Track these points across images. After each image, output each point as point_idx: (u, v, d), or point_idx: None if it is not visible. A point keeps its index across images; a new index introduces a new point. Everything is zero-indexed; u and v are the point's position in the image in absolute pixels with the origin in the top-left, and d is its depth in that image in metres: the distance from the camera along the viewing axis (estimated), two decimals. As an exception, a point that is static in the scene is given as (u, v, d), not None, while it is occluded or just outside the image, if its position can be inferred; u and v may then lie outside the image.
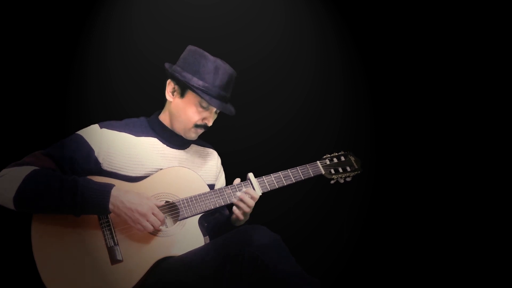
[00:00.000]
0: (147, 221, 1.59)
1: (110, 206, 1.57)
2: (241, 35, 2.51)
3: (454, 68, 2.48)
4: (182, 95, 1.82)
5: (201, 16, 2.45)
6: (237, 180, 1.84)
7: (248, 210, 1.77)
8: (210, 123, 1.86)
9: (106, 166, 1.70)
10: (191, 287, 1.52)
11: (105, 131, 1.74)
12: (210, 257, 1.51)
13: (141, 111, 1.95)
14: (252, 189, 1.80)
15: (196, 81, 1.77)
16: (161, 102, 1.92)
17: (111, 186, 1.59)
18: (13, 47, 2.23)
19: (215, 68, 1.79)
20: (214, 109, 1.84)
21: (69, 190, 1.54)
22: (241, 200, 1.76)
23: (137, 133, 1.81)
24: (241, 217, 1.78)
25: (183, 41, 1.90)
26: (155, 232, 1.64)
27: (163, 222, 1.63)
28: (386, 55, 2.56)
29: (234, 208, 1.78)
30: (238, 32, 2.50)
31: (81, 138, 1.70)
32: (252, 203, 1.77)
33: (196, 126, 1.83)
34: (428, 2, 2.47)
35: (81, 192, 1.54)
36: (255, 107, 2.59)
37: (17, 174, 1.56)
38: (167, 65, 1.85)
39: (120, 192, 1.59)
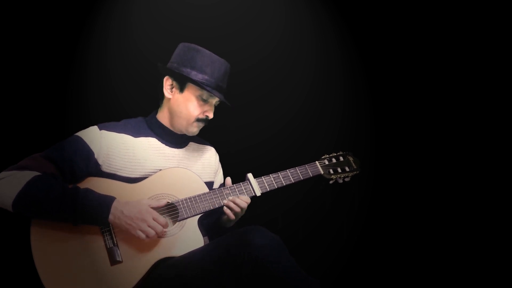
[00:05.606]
0: (148, 226, 1.58)
1: (111, 217, 1.57)
2: (241, 35, 2.51)
3: (454, 68, 2.48)
4: (181, 90, 1.83)
5: (201, 16, 2.45)
6: (228, 180, 1.84)
7: (238, 210, 1.76)
8: (211, 116, 1.86)
9: (105, 167, 1.70)
10: (191, 288, 1.52)
11: (104, 132, 1.74)
12: (210, 258, 1.51)
13: (141, 111, 1.95)
14: (251, 190, 1.80)
15: (196, 75, 1.78)
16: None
17: (111, 199, 1.59)
18: (13, 47, 2.23)
19: (211, 61, 1.81)
20: (214, 102, 1.85)
21: (70, 201, 1.54)
22: (232, 201, 1.75)
23: (136, 133, 1.81)
24: (232, 216, 1.76)
25: (183, 41, 1.90)
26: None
27: (166, 226, 1.63)
28: (386, 55, 2.56)
29: (225, 208, 1.76)
30: (238, 32, 2.50)
31: (80, 140, 1.69)
32: (244, 205, 1.76)
33: (198, 120, 1.84)
34: (428, 2, 2.46)
35: (81, 204, 1.54)
36: (255, 107, 2.59)
37: (17, 179, 1.55)
38: (160, 64, 1.86)
39: (120, 204, 1.59)
